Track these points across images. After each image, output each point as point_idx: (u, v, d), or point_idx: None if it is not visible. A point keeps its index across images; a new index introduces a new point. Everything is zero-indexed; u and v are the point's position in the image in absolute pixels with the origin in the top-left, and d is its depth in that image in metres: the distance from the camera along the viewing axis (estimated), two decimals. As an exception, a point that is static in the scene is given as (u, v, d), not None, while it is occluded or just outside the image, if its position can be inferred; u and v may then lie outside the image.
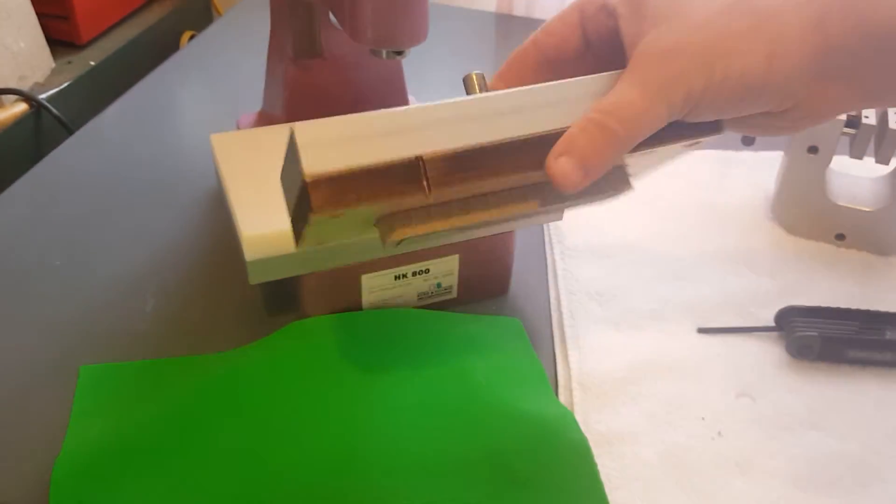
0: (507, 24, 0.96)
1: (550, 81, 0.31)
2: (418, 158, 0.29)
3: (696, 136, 0.32)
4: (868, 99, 0.31)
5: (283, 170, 0.31)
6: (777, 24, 0.29)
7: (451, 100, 0.30)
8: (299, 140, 0.28)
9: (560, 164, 0.29)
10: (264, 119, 0.64)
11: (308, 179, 0.28)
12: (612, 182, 0.34)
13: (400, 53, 0.47)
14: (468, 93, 0.34)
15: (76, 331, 0.52)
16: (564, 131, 0.30)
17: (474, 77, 0.34)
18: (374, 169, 0.29)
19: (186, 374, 0.48)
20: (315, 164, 0.28)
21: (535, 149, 0.30)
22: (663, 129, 0.31)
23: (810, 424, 0.48)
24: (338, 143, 0.29)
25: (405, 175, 0.29)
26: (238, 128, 0.64)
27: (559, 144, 0.30)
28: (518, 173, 0.31)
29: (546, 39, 0.34)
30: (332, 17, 0.54)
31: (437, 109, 0.30)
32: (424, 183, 0.30)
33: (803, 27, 0.29)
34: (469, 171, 0.30)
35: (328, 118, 0.29)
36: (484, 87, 0.34)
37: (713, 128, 0.33)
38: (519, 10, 1.07)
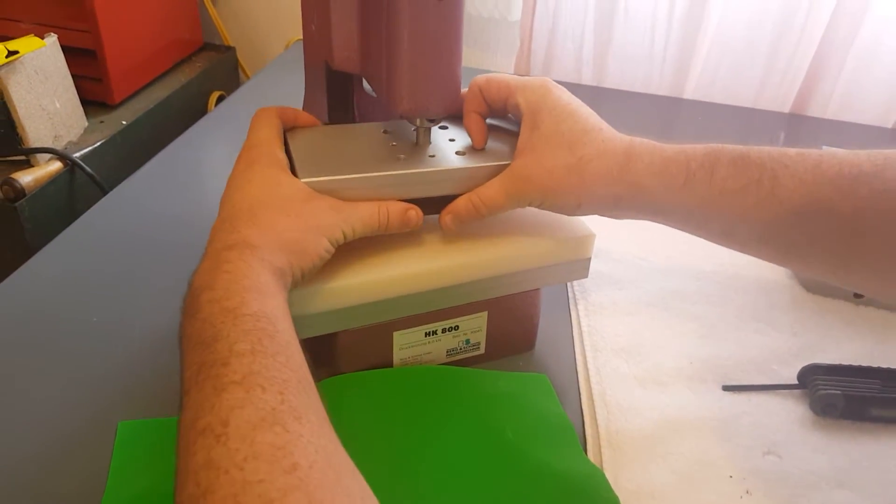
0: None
1: (462, 158, 0.50)
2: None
3: None
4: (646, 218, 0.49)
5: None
6: (590, 189, 0.47)
7: (401, 171, 0.47)
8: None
9: (446, 218, 0.50)
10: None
11: None
12: None
13: (433, 121, 0.49)
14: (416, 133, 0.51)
15: (114, 387, 0.53)
16: (458, 196, 0.49)
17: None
18: None
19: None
20: None
21: (441, 202, 0.49)
22: None
23: (837, 483, 0.48)
24: (338, 192, 0.46)
25: None
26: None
27: (450, 206, 0.50)
28: (430, 214, 0.50)
29: (486, 92, 0.51)
30: (365, 84, 0.56)
31: (396, 176, 0.47)
32: None
33: (606, 196, 0.47)
34: None
35: (338, 177, 0.46)
36: (428, 133, 0.51)
37: None
38: (535, 72, 1.11)
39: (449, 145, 0.51)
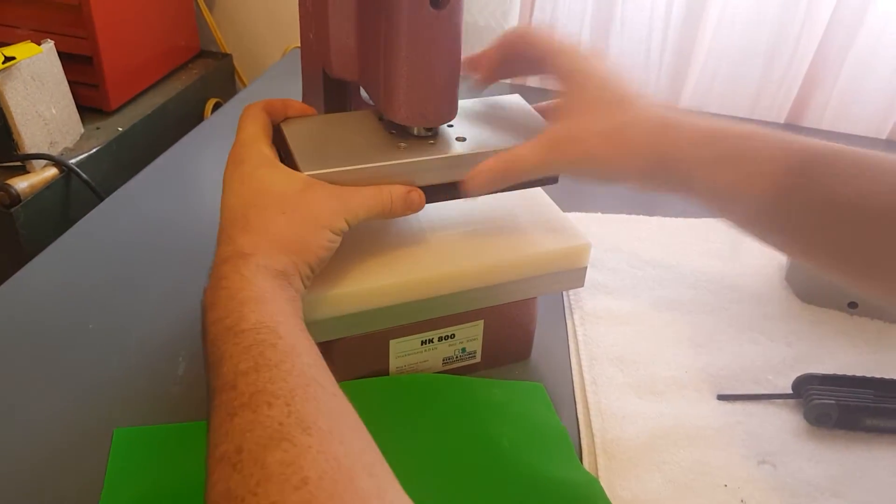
0: (521, 94, 1.00)
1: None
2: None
3: (541, 184, 0.53)
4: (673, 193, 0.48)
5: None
6: (625, 156, 0.46)
7: (406, 160, 0.47)
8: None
9: (473, 181, 0.48)
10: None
11: None
12: None
13: (430, 130, 0.50)
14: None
15: (110, 394, 0.53)
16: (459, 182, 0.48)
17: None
18: None
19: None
20: None
21: (439, 189, 0.48)
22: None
23: (831, 493, 0.48)
24: (341, 183, 0.45)
25: None
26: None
27: (475, 169, 0.48)
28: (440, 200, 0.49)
29: (526, 37, 0.52)
30: (363, 92, 0.57)
31: (400, 165, 0.47)
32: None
33: (640, 165, 0.46)
34: None
35: (343, 168, 0.45)
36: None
37: (553, 180, 0.52)
38: (533, 81, 1.11)
39: (448, 131, 0.51)
